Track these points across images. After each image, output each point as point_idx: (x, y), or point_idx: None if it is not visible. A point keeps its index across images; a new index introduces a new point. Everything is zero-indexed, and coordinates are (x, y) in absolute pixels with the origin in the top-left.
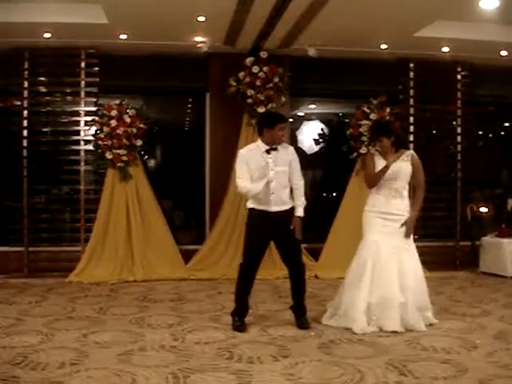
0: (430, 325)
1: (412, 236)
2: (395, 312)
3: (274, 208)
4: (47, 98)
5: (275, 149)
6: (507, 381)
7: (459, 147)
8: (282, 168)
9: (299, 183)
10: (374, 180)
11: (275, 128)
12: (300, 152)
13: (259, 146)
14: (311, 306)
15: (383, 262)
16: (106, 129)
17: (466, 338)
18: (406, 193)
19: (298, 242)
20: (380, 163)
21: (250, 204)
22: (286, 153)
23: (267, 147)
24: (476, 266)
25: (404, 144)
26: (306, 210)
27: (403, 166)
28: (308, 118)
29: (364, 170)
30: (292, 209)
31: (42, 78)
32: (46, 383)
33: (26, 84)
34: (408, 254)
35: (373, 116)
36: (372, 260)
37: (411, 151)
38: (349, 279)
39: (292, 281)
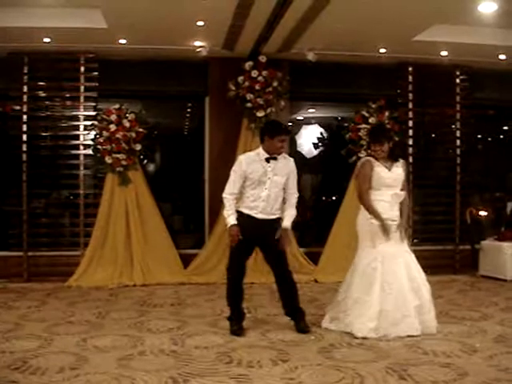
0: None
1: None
2: (411, 317)
3: (261, 215)
4: (46, 102)
5: (275, 158)
6: None
7: (458, 151)
8: (279, 178)
9: (293, 196)
10: (365, 202)
11: (274, 139)
12: (299, 156)
13: (259, 153)
14: (311, 310)
15: (392, 270)
16: (105, 133)
17: (466, 341)
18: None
19: (283, 251)
20: (379, 170)
21: (239, 207)
22: (286, 164)
23: (267, 155)
24: (476, 269)
25: (399, 157)
26: (304, 215)
27: (400, 172)
28: (307, 121)
29: (361, 179)
30: (279, 219)
31: (42, 83)
32: None
33: (25, 89)
34: (410, 257)
35: (372, 120)
36: (381, 269)
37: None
38: (356, 291)
39: (279, 287)
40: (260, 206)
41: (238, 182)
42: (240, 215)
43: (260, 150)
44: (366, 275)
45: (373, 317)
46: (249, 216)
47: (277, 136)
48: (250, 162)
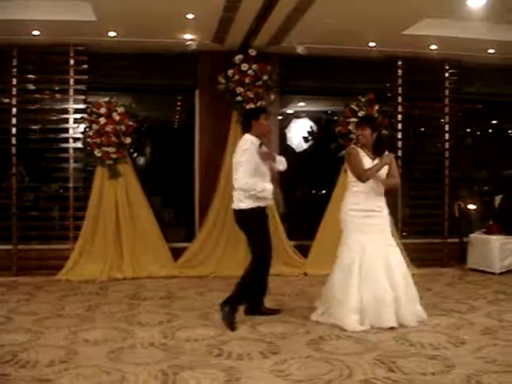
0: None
1: (391, 232)
2: (390, 308)
3: (269, 202)
4: (36, 95)
5: (262, 143)
6: (494, 376)
7: (447, 145)
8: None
9: None
10: (369, 174)
11: (260, 119)
12: (289, 150)
13: (253, 141)
14: (301, 303)
15: (369, 261)
16: (94, 126)
17: (454, 333)
18: (383, 190)
19: None
20: (363, 160)
21: (250, 204)
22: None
23: (259, 141)
24: (464, 262)
25: (384, 150)
26: (294, 207)
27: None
28: (297, 115)
29: (352, 164)
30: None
31: (31, 76)
32: (35, 381)
33: (14, 81)
34: (391, 250)
35: (361, 114)
36: (358, 260)
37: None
38: (337, 283)
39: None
40: (269, 195)
41: (254, 170)
42: (255, 210)
43: (251, 137)
44: (345, 268)
45: (355, 309)
46: (263, 208)
47: (261, 115)
48: (254, 150)
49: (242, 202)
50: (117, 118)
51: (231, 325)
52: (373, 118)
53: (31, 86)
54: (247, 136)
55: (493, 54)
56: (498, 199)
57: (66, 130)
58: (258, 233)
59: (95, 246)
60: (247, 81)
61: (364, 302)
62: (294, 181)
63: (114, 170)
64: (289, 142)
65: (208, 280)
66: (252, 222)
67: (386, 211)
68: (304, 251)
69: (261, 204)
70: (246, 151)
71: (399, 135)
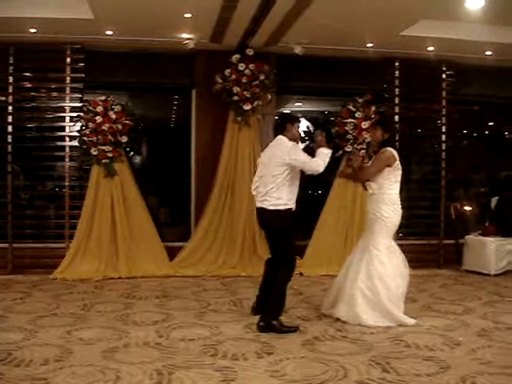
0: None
1: (379, 238)
2: (343, 301)
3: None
4: (32, 93)
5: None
6: (489, 378)
7: (444, 146)
8: None
9: None
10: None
11: (295, 125)
12: None
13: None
14: (296, 304)
15: (350, 258)
16: (91, 125)
17: (449, 335)
18: (379, 190)
19: None
20: None
21: (287, 204)
22: None
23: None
24: (459, 264)
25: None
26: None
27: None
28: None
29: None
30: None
31: (27, 74)
32: (29, 380)
33: (10, 79)
34: (368, 254)
35: (358, 114)
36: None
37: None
38: None
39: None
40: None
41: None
42: (288, 211)
43: (285, 138)
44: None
45: (331, 292)
46: (292, 210)
47: (296, 122)
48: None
49: (280, 200)
50: (113, 116)
51: (291, 328)
52: (385, 116)
53: (27, 84)
54: (283, 137)
55: (490, 55)
56: (494, 201)
57: (63, 129)
58: (290, 236)
59: (91, 244)
60: (244, 80)
61: (329, 291)
62: None
63: (110, 168)
64: None
65: (203, 279)
66: (285, 224)
67: (381, 215)
68: (300, 251)
69: (292, 205)
70: (294, 146)
71: (396, 136)
